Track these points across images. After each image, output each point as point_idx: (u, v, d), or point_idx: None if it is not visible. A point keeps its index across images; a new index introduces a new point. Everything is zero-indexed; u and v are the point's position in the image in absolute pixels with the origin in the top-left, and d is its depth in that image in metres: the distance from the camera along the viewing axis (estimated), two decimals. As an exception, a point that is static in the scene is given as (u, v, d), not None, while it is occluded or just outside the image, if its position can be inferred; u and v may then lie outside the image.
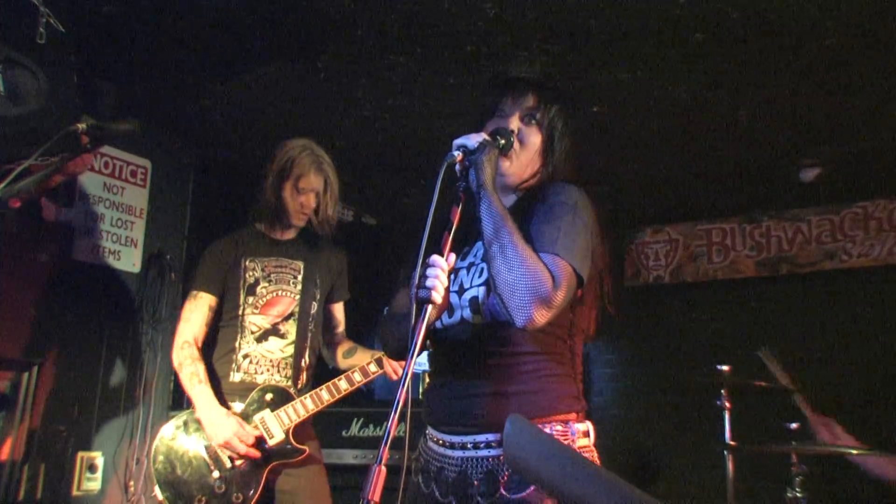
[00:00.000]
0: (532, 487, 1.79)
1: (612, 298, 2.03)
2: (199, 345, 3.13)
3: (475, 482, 1.86)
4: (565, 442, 1.86)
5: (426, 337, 1.96)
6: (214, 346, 3.17)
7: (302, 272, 3.24)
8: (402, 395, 1.60)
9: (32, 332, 3.78)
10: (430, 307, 1.71)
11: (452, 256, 1.80)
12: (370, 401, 5.52)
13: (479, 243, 1.95)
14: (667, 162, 5.00)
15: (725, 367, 3.99)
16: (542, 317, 1.74)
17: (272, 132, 4.57)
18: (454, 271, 1.99)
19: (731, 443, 3.92)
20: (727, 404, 3.98)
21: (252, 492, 2.90)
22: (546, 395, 1.90)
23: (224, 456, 2.92)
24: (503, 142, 1.96)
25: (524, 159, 2.04)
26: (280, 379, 3.09)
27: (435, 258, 1.75)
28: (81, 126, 2.58)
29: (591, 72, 3.82)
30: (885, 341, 4.65)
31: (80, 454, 3.94)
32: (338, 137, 4.70)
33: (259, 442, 2.95)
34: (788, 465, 3.64)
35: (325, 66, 3.86)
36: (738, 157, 4.86)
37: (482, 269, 1.94)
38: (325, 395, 3.05)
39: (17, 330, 3.72)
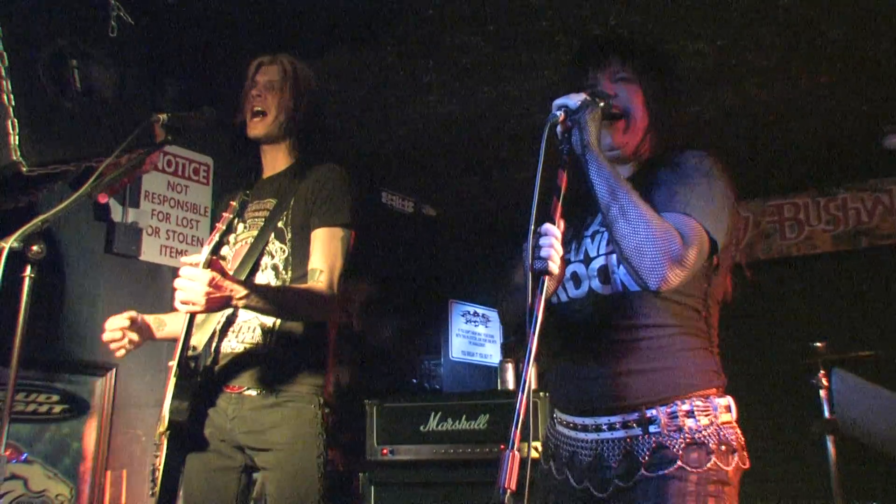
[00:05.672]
0: (676, 465, 1.69)
1: (746, 264, 1.94)
2: None
3: (612, 465, 1.76)
4: (707, 418, 1.74)
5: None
6: None
7: (271, 210, 2.57)
8: (527, 376, 1.48)
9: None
10: (547, 279, 1.60)
11: (562, 223, 1.68)
12: (444, 394, 5.41)
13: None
14: (738, 136, 4.82)
15: (819, 344, 3.82)
16: (675, 277, 1.64)
17: (336, 121, 4.48)
18: (577, 239, 1.90)
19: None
20: (824, 382, 3.80)
21: None
22: (684, 372, 1.79)
23: None
24: (602, 104, 1.82)
25: (636, 123, 1.91)
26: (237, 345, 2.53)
27: (547, 227, 1.63)
28: (162, 117, 2.49)
29: (670, 43, 3.66)
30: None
31: (160, 458, 3.87)
32: (400, 125, 4.58)
33: None
34: (906, 444, 3.45)
35: (392, 50, 3.74)
36: (815, 127, 4.67)
37: (608, 236, 1.82)
38: None
39: (91, 333, 3.66)
